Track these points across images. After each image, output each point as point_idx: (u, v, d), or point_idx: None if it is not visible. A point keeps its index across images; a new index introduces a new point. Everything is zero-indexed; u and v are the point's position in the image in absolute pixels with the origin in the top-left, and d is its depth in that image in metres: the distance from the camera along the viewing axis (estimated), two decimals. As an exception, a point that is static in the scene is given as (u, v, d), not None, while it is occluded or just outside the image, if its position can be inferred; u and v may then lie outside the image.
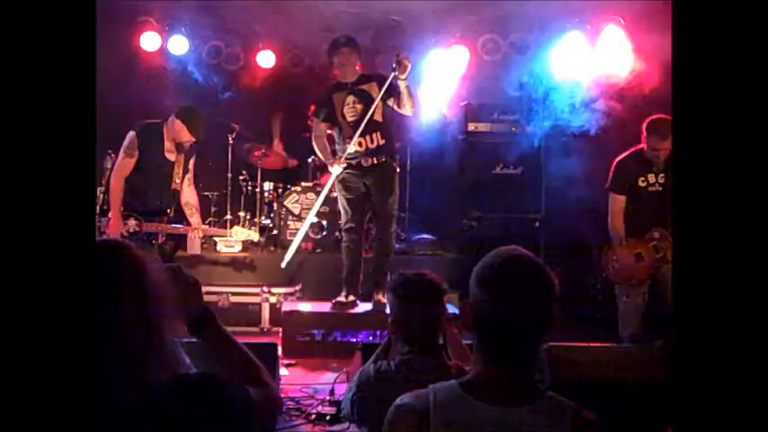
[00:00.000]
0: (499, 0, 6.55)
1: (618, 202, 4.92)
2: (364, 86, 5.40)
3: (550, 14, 6.77)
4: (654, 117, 4.72)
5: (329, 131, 5.70)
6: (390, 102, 5.38)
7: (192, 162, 5.46)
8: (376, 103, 5.27)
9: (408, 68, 5.15)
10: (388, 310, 5.09)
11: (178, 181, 5.34)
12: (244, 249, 7.00)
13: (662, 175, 4.77)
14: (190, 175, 5.45)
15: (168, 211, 5.34)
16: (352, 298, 5.52)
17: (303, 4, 6.86)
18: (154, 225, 5.25)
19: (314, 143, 5.62)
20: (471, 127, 7.04)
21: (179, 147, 5.30)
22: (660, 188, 4.78)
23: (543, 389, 1.62)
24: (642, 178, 4.82)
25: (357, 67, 5.46)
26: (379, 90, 5.28)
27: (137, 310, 1.49)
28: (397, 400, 1.62)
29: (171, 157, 5.30)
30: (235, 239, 6.44)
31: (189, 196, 5.43)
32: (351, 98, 5.38)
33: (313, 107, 7.59)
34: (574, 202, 6.47)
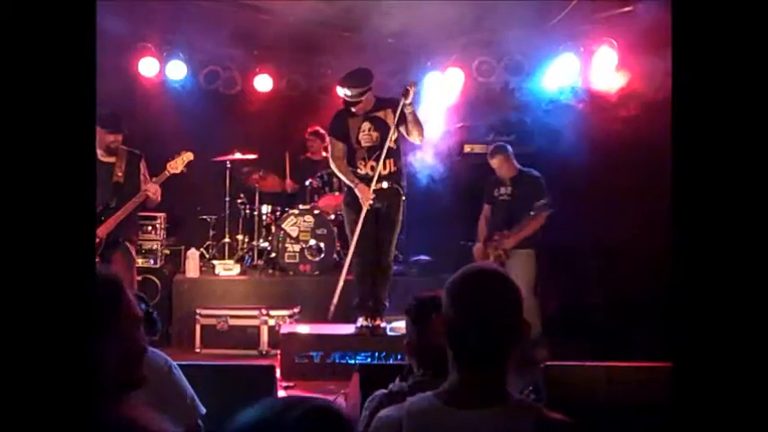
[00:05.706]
0: (492, 23, 6.61)
1: (485, 209, 6.22)
2: (380, 113, 5.42)
3: (544, 36, 6.84)
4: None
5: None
6: (402, 129, 5.43)
7: (143, 166, 5.26)
8: (392, 132, 5.33)
9: (411, 94, 5.20)
10: (397, 332, 5.01)
11: (120, 174, 5.09)
12: (242, 272, 7.00)
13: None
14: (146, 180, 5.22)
15: (110, 203, 5.05)
16: (378, 321, 5.47)
17: (301, 29, 6.93)
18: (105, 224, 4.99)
19: (333, 165, 5.57)
20: (467, 149, 7.08)
21: (109, 150, 5.10)
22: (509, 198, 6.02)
23: (512, 393, 1.65)
24: (497, 190, 6.08)
25: (371, 99, 5.42)
26: (394, 115, 5.33)
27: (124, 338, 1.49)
28: (380, 412, 1.73)
29: (107, 159, 5.08)
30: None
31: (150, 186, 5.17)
32: (366, 125, 5.40)
33: (312, 128, 7.70)
34: (571, 221, 6.48)
